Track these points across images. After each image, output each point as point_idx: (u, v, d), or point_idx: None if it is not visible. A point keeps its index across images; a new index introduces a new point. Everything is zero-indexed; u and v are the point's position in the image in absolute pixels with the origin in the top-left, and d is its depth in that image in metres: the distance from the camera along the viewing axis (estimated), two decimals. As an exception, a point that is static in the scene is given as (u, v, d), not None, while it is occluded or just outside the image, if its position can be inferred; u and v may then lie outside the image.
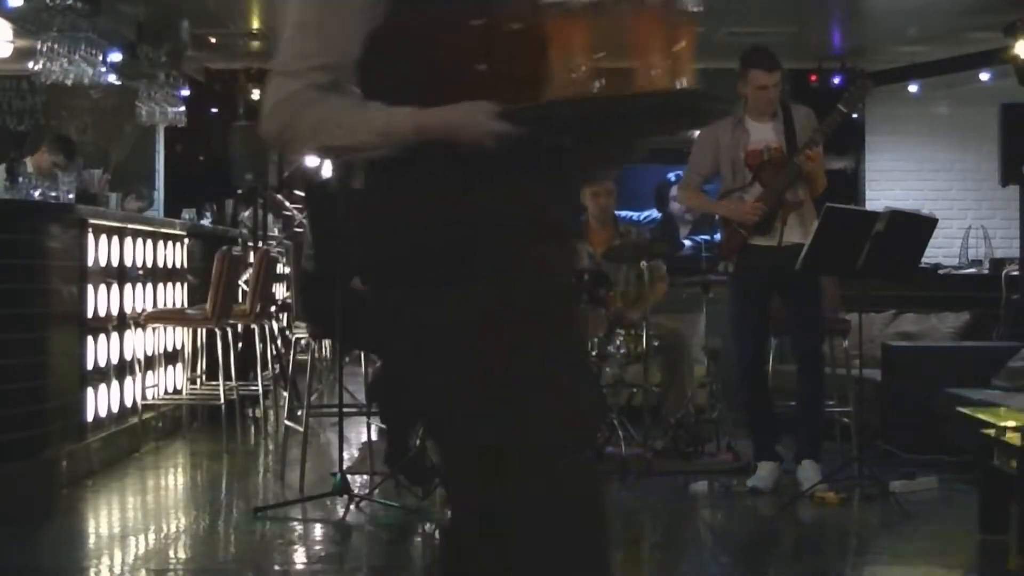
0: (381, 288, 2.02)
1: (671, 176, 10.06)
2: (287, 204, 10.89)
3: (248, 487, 5.65)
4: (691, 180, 5.52)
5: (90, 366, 5.75)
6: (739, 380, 5.46)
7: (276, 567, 4.16)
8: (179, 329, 7.04)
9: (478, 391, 1.91)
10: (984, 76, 9.03)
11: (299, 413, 5.68)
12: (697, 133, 5.63)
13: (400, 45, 1.94)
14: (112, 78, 7.79)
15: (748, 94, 5.28)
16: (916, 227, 5.05)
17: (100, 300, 5.85)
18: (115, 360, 6.07)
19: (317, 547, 4.45)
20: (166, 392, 6.90)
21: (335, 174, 5.32)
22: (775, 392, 5.54)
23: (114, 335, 6.06)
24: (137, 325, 6.36)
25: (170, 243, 7.05)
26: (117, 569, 4.13)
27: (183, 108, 8.64)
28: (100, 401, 5.87)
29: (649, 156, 8.56)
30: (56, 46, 6.82)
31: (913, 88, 9.60)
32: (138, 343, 6.38)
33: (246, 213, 9.49)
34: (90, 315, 5.72)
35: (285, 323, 8.28)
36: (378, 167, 1.98)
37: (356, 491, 4.96)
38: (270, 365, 7.56)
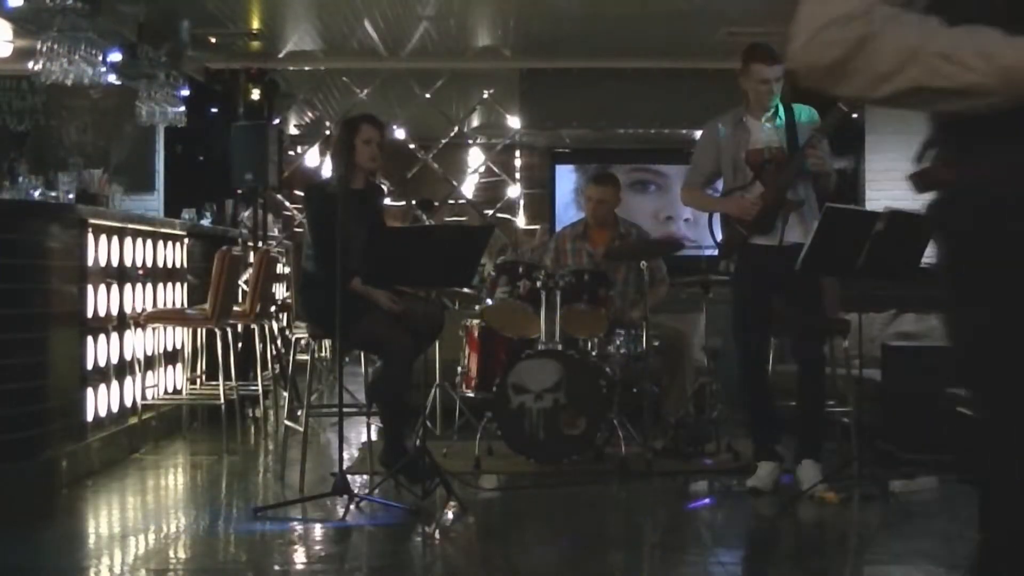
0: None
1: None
2: (287, 204, 10.92)
3: (248, 487, 5.65)
4: (693, 180, 5.52)
5: (90, 366, 5.75)
6: (739, 380, 5.46)
7: (276, 567, 4.15)
8: (179, 329, 7.04)
9: None
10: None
11: (299, 413, 5.68)
12: (699, 133, 5.64)
13: None
14: (112, 78, 7.78)
15: (749, 89, 5.28)
16: (916, 227, 5.04)
17: (100, 300, 5.85)
18: (115, 360, 6.07)
19: (317, 547, 4.45)
20: (166, 392, 6.90)
21: (335, 174, 5.31)
22: (775, 392, 5.54)
23: (114, 335, 6.06)
24: (137, 325, 6.36)
25: (170, 243, 7.05)
26: (117, 569, 4.13)
27: (183, 108, 8.63)
28: (100, 401, 5.87)
29: (639, 156, 8.52)
30: (56, 46, 6.81)
31: (913, 88, 9.59)
32: (138, 343, 6.38)
33: (246, 213, 9.50)
34: (90, 315, 5.73)
35: (285, 323, 8.28)
36: (965, 130, 1.43)
37: (356, 491, 4.96)
38: (270, 365, 7.57)
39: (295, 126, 12.20)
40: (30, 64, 7.01)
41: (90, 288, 5.72)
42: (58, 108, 9.92)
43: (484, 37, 9.14)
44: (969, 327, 1.56)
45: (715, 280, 6.26)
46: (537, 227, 10.97)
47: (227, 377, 6.78)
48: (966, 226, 1.49)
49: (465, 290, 7.04)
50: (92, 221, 5.74)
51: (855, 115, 9.59)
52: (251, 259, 7.49)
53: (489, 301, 6.04)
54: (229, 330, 6.82)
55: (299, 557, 4.29)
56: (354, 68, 10.19)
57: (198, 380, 7.22)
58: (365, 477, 5.53)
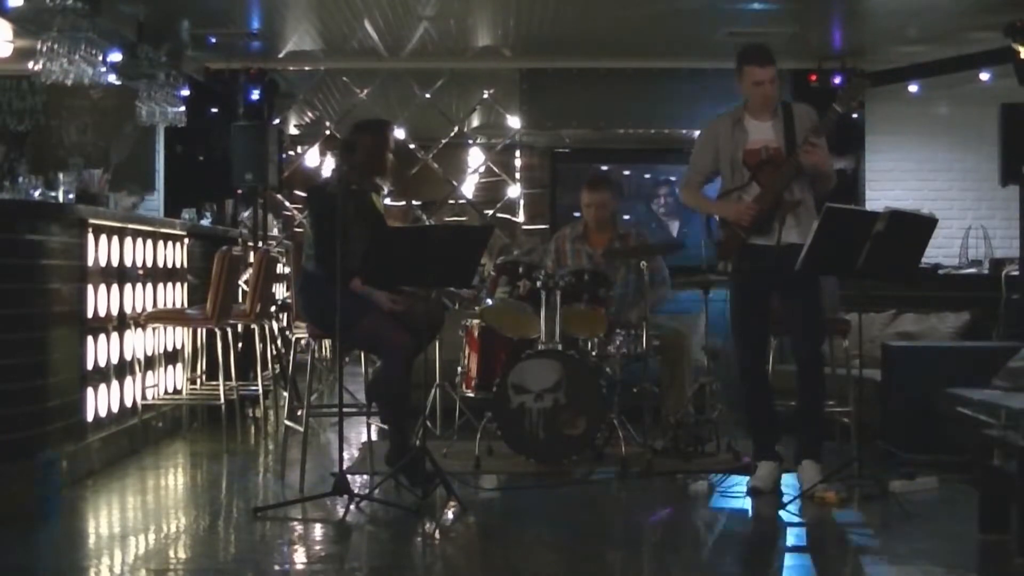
0: None
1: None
2: (287, 204, 10.92)
3: (248, 487, 5.65)
4: (692, 180, 5.53)
5: (90, 366, 5.75)
6: (739, 380, 5.46)
7: (276, 567, 4.15)
8: (179, 329, 7.04)
9: None
10: (984, 76, 9.02)
11: (299, 413, 5.68)
12: (698, 132, 5.65)
13: None
14: (112, 78, 7.78)
15: (746, 92, 5.30)
16: (916, 227, 5.05)
17: (100, 300, 5.85)
18: (115, 360, 6.07)
19: (317, 547, 4.45)
20: (166, 392, 6.90)
21: (336, 174, 5.32)
22: (775, 392, 5.54)
23: (114, 335, 6.06)
24: (137, 325, 6.36)
25: (170, 243, 7.05)
26: (117, 569, 4.13)
27: (183, 108, 8.62)
28: (100, 401, 5.87)
29: (639, 156, 8.60)
30: (56, 46, 6.80)
31: (913, 88, 9.59)
32: (138, 343, 6.38)
33: (246, 213, 9.49)
34: (90, 315, 5.72)
35: (285, 323, 8.28)
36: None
37: (356, 491, 4.96)
38: (270, 365, 7.56)
39: (295, 126, 12.20)
40: (30, 64, 7.01)
41: (90, 288, 5.72)
42: (58, 108, 9.93)
43: (484, 37, 9.13)
44: None
45: (715, 280, 6.25)
46: (537, 227, 10.98)
47: (227, 377, 6.78)
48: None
49: (465, 291, 7.04)
50: (92, 221, 5.74)
51: (855, 115, 9.61)
52: (251, 259, 7.49)
53: (489, 301, 6.04)
54: (229, 330, 6.82)
55: (299, 557, 4.29)
56: (354, 68, 10.19)
57: (198, 380, 7.22)
58: (365, 477, 5.54)
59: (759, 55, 5.29)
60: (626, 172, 10.27)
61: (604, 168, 9.92)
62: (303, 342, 6.39)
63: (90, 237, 5.70)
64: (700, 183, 5.52)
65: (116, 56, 7.72)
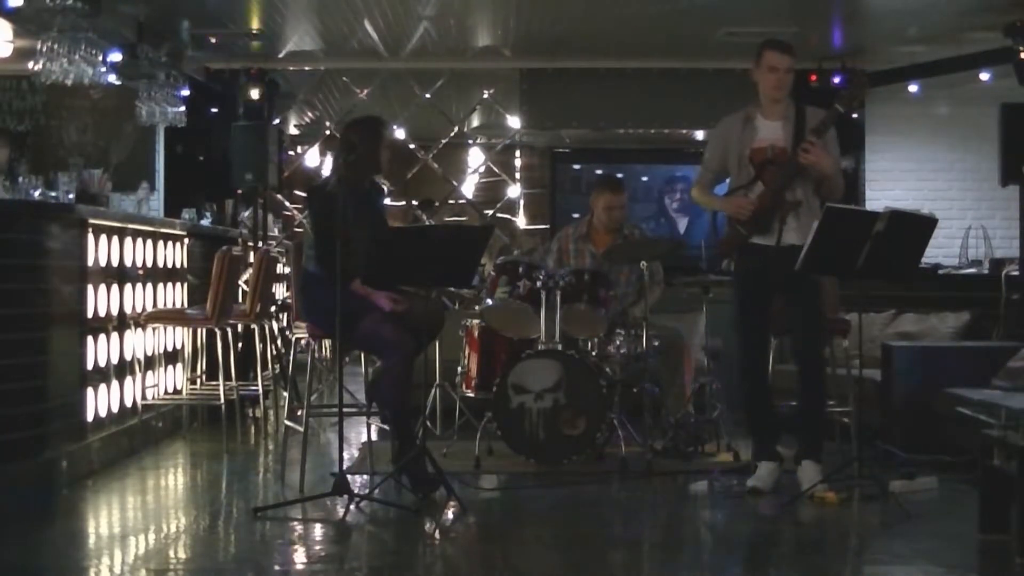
0: None
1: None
2: (287, 204, 10.92)
3: (248, 487, 5.65)
4: (702, 177, 5.54)
5: (90, 366, 5.75)
6: (739, 380, 5.46)
7: (276, 567, 4.15)
8: (179, 329, 7.04)
9: None
10: (984, 76, 9.02)
11: (299, 413, 5.68)
12: (698, 132, 5.67)
13: None
14: (112, 78, 7.78)
15: (760, 80, 5.31)
16: (916, 227, 5.05)
17: (100, 300, 5.85)
18: (115, 360, 6.07)
19: (317, 547, 4.45)
20: (166, 392, 6.90)
21: (334, 174, 5.32)
22: (775, 392, 5.54)
23: (114, 335, 6.06)
24: (137, 325, 6.36)
25: (170, 243, 7.05)
26: (117, 569, 4.13)
27: (183, 108, 8.63)
28: (100, 401, 5.87)
29: (647, 156, 8.57)
30: (56, 46, 6.81)
31: (913, 88, 9.59)
32: (138, 343, 6.38)
33: (246, 213, 9.49)
34: (90, 315, 5.72)
35: (285, 323, 8.28)
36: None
37: (356, 491, 4.95)
38: (270, 365, 7.56)
39: (295, 126, 12.20)
40: (30, 64, 7.01)
41: (90, 288, 5.72)
42: (58, 108, 9.92)
43: (484, 37, 9.13)
44: None
45: (715, 280, 6.26)
46: (537, 227, 10.98)
47: (227, 377, 6.78)
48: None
49: (464, 291, 7.04)
50: (92, 221, 5.74)
51: (855, 115, 9.61)
52: (251, 259, 7.49)
53: (489, 301, 6.03)
54: (229, 330, 6.82)
55: (299, 557, 4.29)
56: (354, 68, 10.19)
57: (198, 380, 7.22)
58: (365, 477, 5.53)
59: (780, 43, 5.38)
60: (644, 178, 10.28)
61: (599, 170, 9.94)
62: (303, 342, 6.39)
63: (90, 237, 5.70)
64: (710, 181, 5.54)
65: (116, 56, 7.72)
